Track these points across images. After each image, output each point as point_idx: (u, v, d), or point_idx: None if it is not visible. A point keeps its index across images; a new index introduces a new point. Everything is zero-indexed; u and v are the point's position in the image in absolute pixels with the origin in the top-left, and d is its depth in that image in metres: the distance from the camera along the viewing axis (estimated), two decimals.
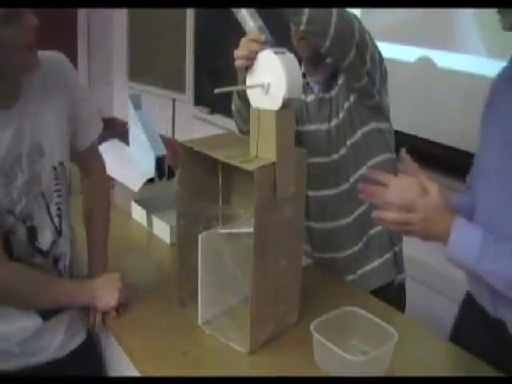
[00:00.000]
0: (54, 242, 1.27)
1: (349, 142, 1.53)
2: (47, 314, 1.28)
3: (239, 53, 1.21)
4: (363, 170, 1.55)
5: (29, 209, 1.21)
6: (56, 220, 1.27)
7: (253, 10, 1.23)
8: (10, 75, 1.15)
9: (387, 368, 1.14)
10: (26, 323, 1.26)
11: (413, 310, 1.73)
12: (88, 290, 1.30)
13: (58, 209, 1.27)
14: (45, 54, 1.20)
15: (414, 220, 1.09)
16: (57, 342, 1.32)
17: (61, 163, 1.26)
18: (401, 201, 1.10)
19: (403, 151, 1.17)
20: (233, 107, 1.54)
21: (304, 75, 1.57)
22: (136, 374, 1.23)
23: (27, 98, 1.20)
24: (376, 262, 1.63)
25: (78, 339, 1.37)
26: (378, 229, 1.60)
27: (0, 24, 1.05)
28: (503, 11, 1.05)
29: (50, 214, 1.25)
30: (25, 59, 1.13)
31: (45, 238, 1.25)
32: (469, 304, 1.31)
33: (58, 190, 1.26)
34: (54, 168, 1.25)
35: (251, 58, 1.20)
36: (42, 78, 1.22)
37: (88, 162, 1.43)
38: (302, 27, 1.28)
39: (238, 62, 1.23)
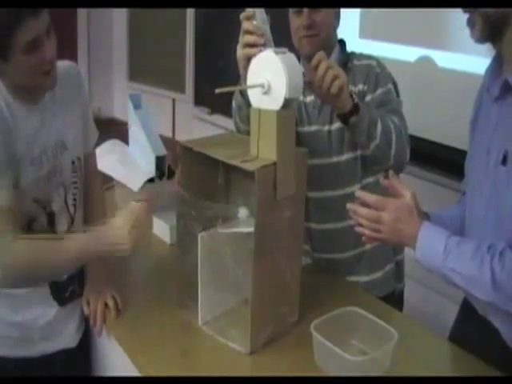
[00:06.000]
0: (67, 230, 1.36)
1: (360, 152, 1.54)
2: (63, 301, 1.38)
3: (244, 40, 1.24)
4: (375, 178, 1.57)
5: (49, 196, 1.31)
6: (71, 209, 1.38)
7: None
8: (28, 90, 1.25)
9: (387, 368, 1.14)
10: (44, 310, 1.35)
11: (413, 310, 1.73)
12: (97, 239, 1.22)
13: (74, 199, 1.38)
14: (62, 64, 1.32)
15: (385, 219, 1.14)
16: (71, 328, 1.41)
17: (78, 158, 1.39)
18: (374, 200, 1.16)
19: (381, 179, 1.24)
20: (233, 104, 1.54)
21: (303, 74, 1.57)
22: (136, 374, 1.23)
23: (50, 100, 1.31)
24: (378, 274, 1.64)
25: (83, 328, 1.45)
26: None
27: (21, 52, 1.13)
28: (470, 24, 1.07)
29: (66, 203, 1.36)
30: (42, 81, 1.23)
31: (61, 225, 1.35)
32: (467, 306, 1.32)
33: (75, 182, 1.38)
34: (73, 162, 1.37)
35: (256, 46, 1.22)
36: (62, 84, 1.32)
37: (88, 165, 1.47)
38: (368, 152, 1.46)
39: (245, 51, 1.24)
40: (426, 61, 2.18)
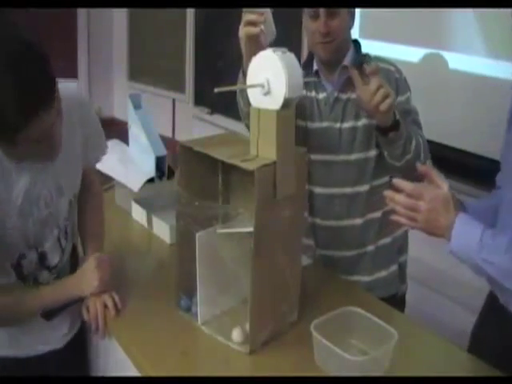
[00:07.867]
0: (59, 261, 1.35)
1: (374, 152, 1.55)
2: (49, 316, 1.33)
3: (245, 18, 1.28)
4: (385, 180, 1.57)
5: (41, 238, 1.28)
6: (63, 242, 1.35)
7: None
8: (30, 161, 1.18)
9: (387, 368, 1.14)
10: (31, 324, 1.33)
11: (413, 311, 1.73)
12: (71, 284, 1.33)
13: (66, 232, 1.35)
14: (63, 91, 1.13)
15: (421, 207, 1.14)
16: (62, 330, 1.40)
17: (75, 195, 1.35)
18: (411, 188, 1.16)
19: (418, 165, 1.24)
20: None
21: (317, 73, 1.58)
22: (136, 374, 1.23)
23: None
24: (381, 274, 1.64)
25: (75, 330, 1.44)
26: (387, 240, 1.63)
27: (31, 141, 1.06)
28: None
29: (59, 239, 1.33)
30: (45, 155, 1.16)
31: (53, 259, 1.33)
32: (489, 307, 1.32)
33: (69, 217, 1.34)
34: (70, 202, 1.33)
35: (257, 24, 1.26)
36: (65, 120, 1.18)
37: (88, 178, 1.46)
38: (398, 164, 1.46)
39: (246, 29, 1.28)
40: (426, 61, 2.18)
